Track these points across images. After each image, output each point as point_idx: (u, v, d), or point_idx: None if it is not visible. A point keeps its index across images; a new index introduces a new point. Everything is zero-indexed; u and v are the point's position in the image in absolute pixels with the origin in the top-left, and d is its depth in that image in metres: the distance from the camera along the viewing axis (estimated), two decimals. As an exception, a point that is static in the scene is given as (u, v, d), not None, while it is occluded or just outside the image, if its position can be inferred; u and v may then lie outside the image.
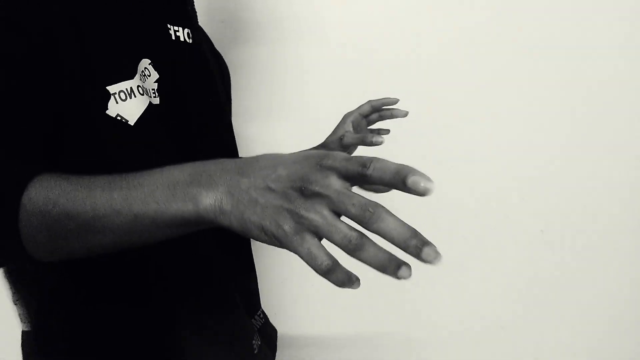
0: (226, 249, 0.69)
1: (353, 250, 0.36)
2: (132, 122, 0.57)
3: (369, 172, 0.36)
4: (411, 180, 0.34)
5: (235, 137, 0.79)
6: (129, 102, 0.57)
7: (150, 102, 0.60)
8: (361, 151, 0.77)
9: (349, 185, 0.38)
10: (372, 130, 0.87)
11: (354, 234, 0.36)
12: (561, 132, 1.14)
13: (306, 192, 0.37)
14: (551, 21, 1.10)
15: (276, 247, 0.39)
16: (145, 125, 0.58)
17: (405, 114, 0.83)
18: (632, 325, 1.22)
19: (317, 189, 0.37)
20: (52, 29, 0.52)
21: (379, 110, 0.85)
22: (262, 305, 0.82)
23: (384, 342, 1.22)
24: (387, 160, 0.36)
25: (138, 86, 0.59)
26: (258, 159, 0.41)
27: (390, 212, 0.36)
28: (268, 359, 0.80)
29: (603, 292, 1.20)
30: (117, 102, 0.56)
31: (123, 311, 0.61)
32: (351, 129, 0.84)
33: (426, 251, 0.34)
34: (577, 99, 1.13)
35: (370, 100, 0.85)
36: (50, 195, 0.44)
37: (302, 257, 0.37)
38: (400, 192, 0.36)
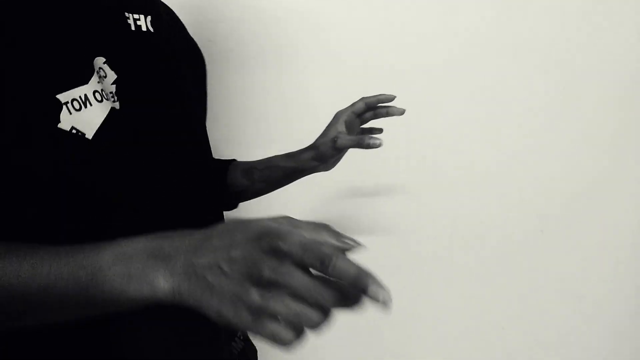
0: None
1: (328, 310, 0.38)
2: (89, 135, 0.49)
3: (328, 271, 0.35)
4: (371, 290, 0.35)
5: (234, 137, 0.77)
6: (84, 111, 0.49)
7: (112, 107, 0.52)
8: (357, 153, 0.78)
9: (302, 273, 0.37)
10: (364, 131, 0.80)
11: (318, 313, 0.37)
12: (561, 132, 1.14)
13: (262, 281, 0.36)
14: (551, 23, 1.10)
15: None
16: (106, 137, 0.50)
17: (402, 112, 0.76)
18: (632, 325, 1.22)
19: (272, 276, 0.36)
20: None
21: (373, 108, 0.77)
22: None
23: (382, 341, 1.22)
24: (347, 261, 0.36)
25: (95, 91, 0.50)
26: (212, 236, 0.40)
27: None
28: None
29: (603, 292, 1.20)
30: (70, 113, 0.48)
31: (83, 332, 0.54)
32: (344, 130, 0.75)
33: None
34: (577, 98, 1.13)
35: (363, 97, 0.77)
36: None
37: (265, 339, 0.37)
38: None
